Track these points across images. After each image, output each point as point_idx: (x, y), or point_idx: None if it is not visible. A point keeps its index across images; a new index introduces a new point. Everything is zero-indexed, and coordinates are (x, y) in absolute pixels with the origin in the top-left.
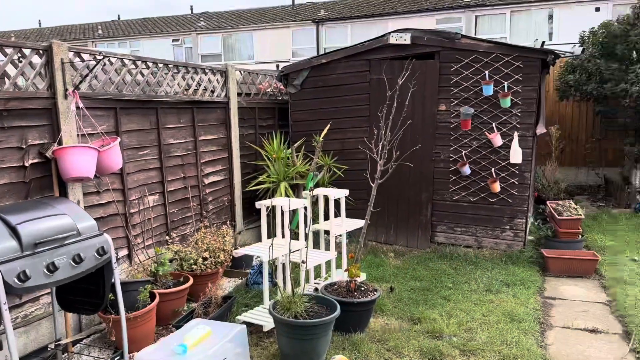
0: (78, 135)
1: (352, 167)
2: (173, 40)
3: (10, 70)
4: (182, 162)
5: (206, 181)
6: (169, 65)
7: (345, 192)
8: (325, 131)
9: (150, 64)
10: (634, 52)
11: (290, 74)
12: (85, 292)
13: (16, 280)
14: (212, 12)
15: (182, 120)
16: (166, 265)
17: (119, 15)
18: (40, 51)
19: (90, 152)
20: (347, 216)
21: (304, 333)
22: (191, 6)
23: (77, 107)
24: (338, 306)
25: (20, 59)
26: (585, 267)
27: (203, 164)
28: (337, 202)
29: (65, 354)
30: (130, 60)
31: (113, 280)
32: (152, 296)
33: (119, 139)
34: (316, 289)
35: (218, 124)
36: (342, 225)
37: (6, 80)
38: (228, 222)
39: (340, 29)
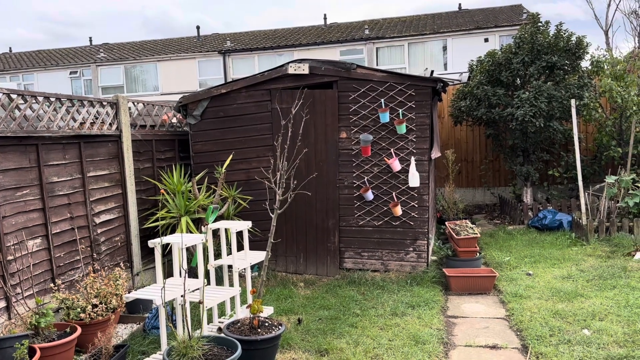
0: None
1: (258, 197)
2: (71, 73)
3: None
4: (68, 201)
5: (97, 220)
6: (51, 98)
7: (248, 224)
8: (227, 162)
9: (28, 98)
10: (518, 79)
11: (189, 105)
12: None
13: None
14: (113, 43)
15: (68, 156)
16: (49, 315)
17: (10, 48)
18: None
19: None
20: (256, 248)
21: None
22: (90, 38)
23: None
24: (239, 346)
25: None
26: (484, 284)
27: (93, 201)
28: (240, 235)
29: None
30: (3, 93)
31: None
32: (33, 352)
33: None
34: (219, 329)
35: (110, 159)
36: (245, 259)
37: None
38: (122, 264)
39: (247, 60)
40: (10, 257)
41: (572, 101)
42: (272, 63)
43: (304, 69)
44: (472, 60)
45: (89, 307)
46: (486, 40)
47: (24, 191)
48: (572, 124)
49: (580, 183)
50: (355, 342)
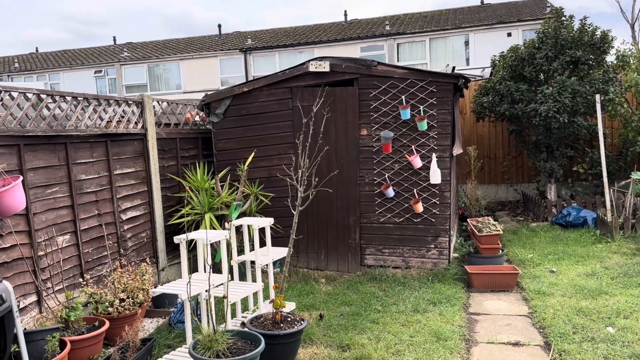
0: None
1: (280, 194)
2: (95, 72)
3: None
4: (96, 198)
5: (124, 217)
6: (79, 98)
7: (270, 220)
8: (249, 159)
9: (57, 97)
10: (541, 74)
11: (211, 103)
12: None
13: None
14: (136, 42)
15: (96, 154)
16: (79, 309)
17: (37, 48)
18: None
19: None
20: (278, 244)
21: None
22: (114, 37)
23: None
24: (262, 340)
25: None
26: (507, 281)
27: (120, 199)
28: (263, 231)
29: None
30: (34, 94)
31: (16, 331)
32: (63, 344)
33: (21, 178)
34: (243, 323)
35: (135, 157)
36: (268, 255)
37: None
38: (148, 259)
39: (268, 58)
40: (41, 253)
41: (597, 96)
42: (292, 60)
43: (325, 67)
44: (494, 56)
45: (117, 301)
46: (509, 35)
47: (53, 188)
48: (597, 120)
49: (605, 179)
50: (376, 338)
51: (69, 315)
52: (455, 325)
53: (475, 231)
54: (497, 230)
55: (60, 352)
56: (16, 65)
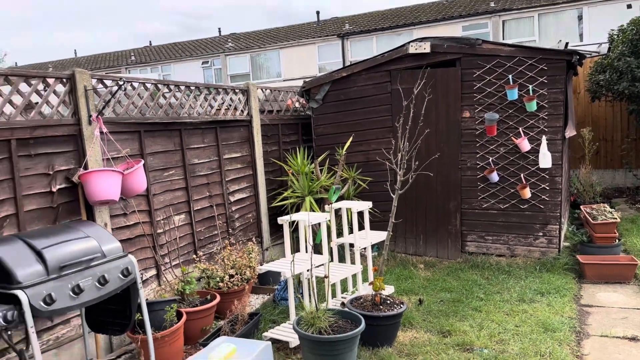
0: (103, 159)
1: (377, 178)
2: (202, 63)
3: (36, 99)
4: (207, 181)
5: (232, 199)
6: (191, 87)
7: (369, 204)
8: (347, 144)
9: (172, 87)
10: None
11: (311, 89)
12: (113, 313)
13: (42, 304)
14: (240, 32)
15: (206, 140)
16: (193, 283)
17: (150, 41)
18: (64, 80)
19: (115, 176)
20: (375, 228)
21: (328, 348)
22: (219, 28)
23: (101, 132)
24: (363, 320)
25: (45, 88)
26: (623, 272)
27: (228, 182)
28: (361, 215)
29: None
30: (152, 84)
31: (139, 301)
32: (179, 315)
33: (142, 162)
34: (342, 304)
35: (242, 142)
36: (366, 238)
37: (32, 109)
38: (254, 239)
39: (365, 42)
40: (159, 230)
41: None
42: (390, 44)
43: (426, 48)
44: (612, 30)
45: (226, 277)
46: (629, 6)
47: (170, 172)
48: None
49: None
50: (479, 326)
51: (185, 289)
52: (565, 317)
53: (589, 219)
54: (614, 218)
55: (177, 322)
56: (132, 58)
